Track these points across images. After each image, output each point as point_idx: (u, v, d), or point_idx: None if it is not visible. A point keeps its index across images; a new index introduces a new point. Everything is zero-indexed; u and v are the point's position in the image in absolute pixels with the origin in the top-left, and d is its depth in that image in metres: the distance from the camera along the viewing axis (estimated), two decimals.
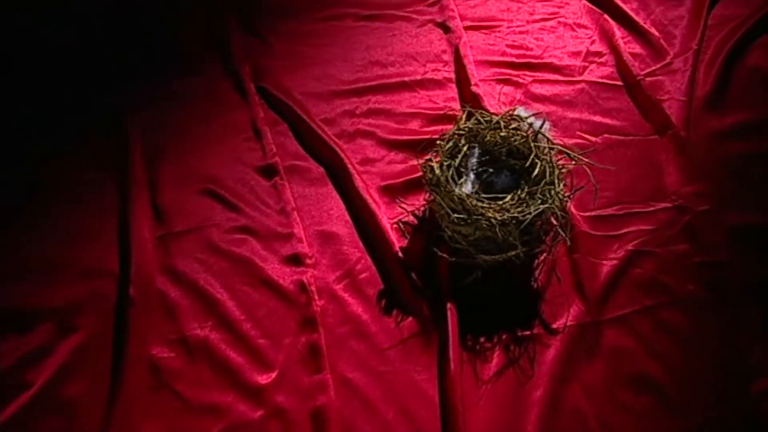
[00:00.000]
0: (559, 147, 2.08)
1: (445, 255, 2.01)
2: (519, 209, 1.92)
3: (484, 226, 1.90)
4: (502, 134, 2.08)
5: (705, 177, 2.26)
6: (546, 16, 2.80)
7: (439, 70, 2.61)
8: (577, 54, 2.65)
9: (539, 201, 1.93)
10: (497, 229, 1.88)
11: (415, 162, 2.27)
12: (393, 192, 2.27)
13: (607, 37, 2.69)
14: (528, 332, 1.98)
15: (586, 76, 2.58)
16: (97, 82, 2.59)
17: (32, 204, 2.26)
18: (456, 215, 1.91)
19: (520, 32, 2.74)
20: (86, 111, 2.51)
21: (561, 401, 1.86)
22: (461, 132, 2.09)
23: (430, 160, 2.06)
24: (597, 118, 2.45)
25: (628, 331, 1.98)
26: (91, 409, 1.85)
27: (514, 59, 2.64)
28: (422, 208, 2.22)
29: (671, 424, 1.83)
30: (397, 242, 2.13)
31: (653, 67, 2.57)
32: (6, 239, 2.17)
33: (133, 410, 1.85)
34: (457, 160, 2.05)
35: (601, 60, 2.63)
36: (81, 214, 2.23)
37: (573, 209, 2.17)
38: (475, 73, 2.55)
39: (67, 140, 2.42)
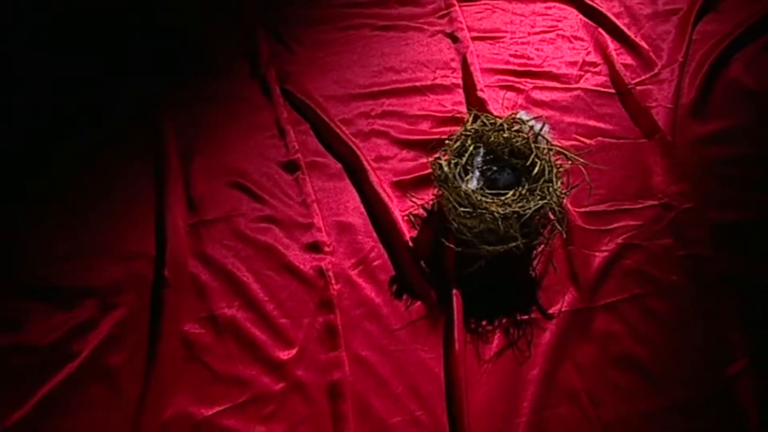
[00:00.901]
0: (557, 148, 2.09)
1: (451, 245, 2.03)
2: (520, 204, 1.92)
3: (488, 219, 1.91)
4: (505, 136, 2.09)
5: (688, 178, 2.26)
6: (546, 29, 2.79)
7: (447, 77, 2.62)
8: (573, 64, 2.65)
9: (538, 197, 1.94)
10: (500, 222, 1.90)
11: (425, 160, 2.29)
12: (404, 187, 2.28)
13: (602, 49, 2.69)
14: (526, 316, 1.99)
15: (581, 84, 2.58)
16: (138, 84, 2.60)
17: (78, 193, 2.28)
18: (462, 209, 1.92)
19: (522, 43, 2.73)
20: (127, 110, 2.52)
21: (555, 379, 1.88)
22: (467, 133, 2.10)
23: (438, 158, 2.06)
24: (591, 123, 2.45)
25: (617, 316, 1.99)
26: (130, 377, 1.88)
27: (516, 67, 2.64)
28: (431, 202, 2.22)
29: (654, 400, 1.84)
30: (408, 233, 2.14)
31: (643, 77, 2.57)
32: (55, 225, 2.19)
33: (167, 379, 1.87)
34: (464, 159, 2.05)
35: (596, 69, 2.63)
36: (122, 203, 2.25)
37: (569, 205, 2.17)
38: (480, 80, 2.55)
39: (110, 136, 2.44)
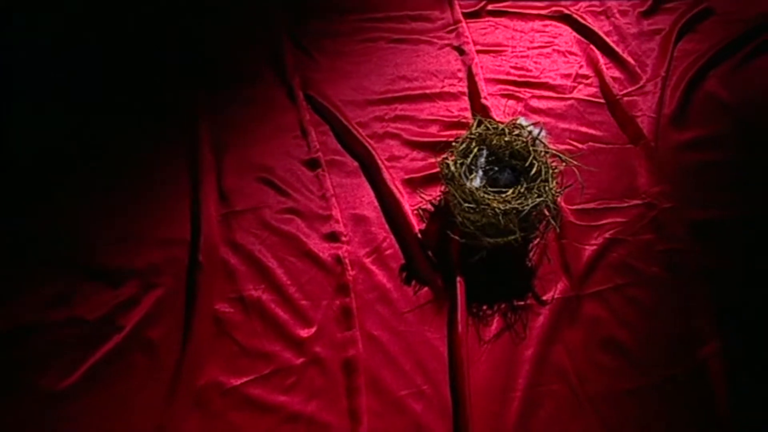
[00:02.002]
0: (553, 151, 2.10)
1: (456, 237, 2.03)
2: (518, 201, 1.93)
3: (490, 214, 1.91)
4: (506, 139, 2.09)
5: (669, 180, 2.27)
6: (543, 44, 2.79)
7: (454, 85, 2.61)
8: (568, 76, 2.65)
9: (535, 195, 1.94)
10: (500, 217, 1.90)
11: (433, 160, 2.29)
12: (414, 184, 2.28)
13: (593, 63, 2.68)
14: (522, 302, 2.00)
15: (575, 94, 2.58)
16: (178, 89, 2.59)
17: (123, 185, 2.28)
18: (466, 204, 1.93)
19: (522, 56, 2.73)
20: (167, 111, 2.52)
21: (547, 359, 1.89)
22: (472, 136, 2.10)
23: (446, 158, 2.06)
24: (583, 129, 2.46)
25: (603, 303, 2.00)
26: (168, 349, 1.89)
27: (516, 78, 2.64)
28: (438, 198, 2.23)
29: (635, 379, 1.86)
30: (417, 225, 2.14)
31: (629, 89, 2.57)
32: (103, 213, 2.19)
33: (200, 352, 1.88)
34: (469, 159, 2.05)
35: (588, 81, 2.63)
36: (162, 195, 2.25)
37: (562, 203, 2.18)
38: (484, 89, 2.55)
39: (151, 135, 2.43)
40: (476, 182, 2.03)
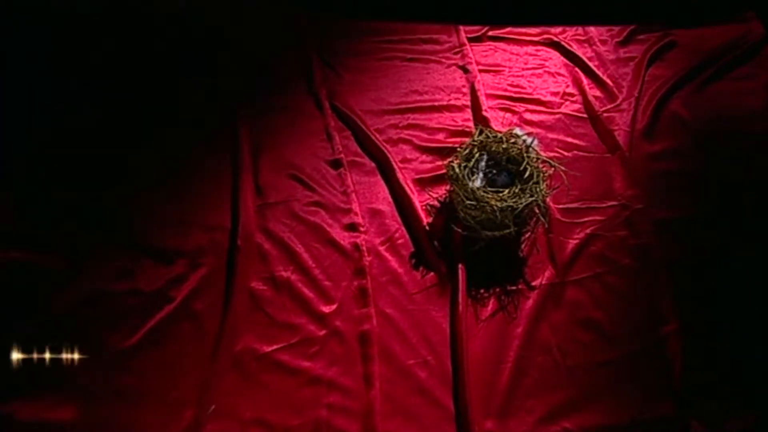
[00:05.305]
0: (543, 158, 2.10)
1: (459, 230, 2.03)
2: (513, 200, 1.93)
3: (488, 210, 1.92)
4: (503, 146, 2.08)
5: (640, 184, 2.29)
6: (535, 66, 2.76)
7: (459, 99, 2.58)
8: (556, 93, 2.63)
9: (528, 195, 1.95)
10: (497, 213, 1.91)
11: (440, 163, 2.28)
12: (423, 183, 2.27)
13: (577, 84, 2.66)
14: (514, 287, 2.01)
15: (562, 110, 2.56)
16: (222, 98, 2.56)
17: (174, 178, 2.26)
18: (468, 202, 1.94)
19: (517, 76, 2.70)
20: (213, 116, 2.49)
21: (534, 335, 1.91)
22: (474, 143, 2.09)
23: (451, 161, 2.07)
24: (569, 139, 2.45)
25: (583, 289, 2.02)
26: (211, 320, 1.90)
27: (512, 94, 2.61)
28: (444, 196, 2.22)
29: (608, 353, 1.90)
30: (425, 219, 2.14)
31: (608, 107, 2.55)
32: (157, 202, 2.17)
33: (237, 322, 1.89)
34: (471, 163, 2.05)
35: (573, 99, 2.61)
36: (206, 187, 2.24)
37: (550, 202, 2.18)
38: (484, 103, 2.53)
39: (200, 138, 2.41)
40: (477, 183, 2.03)
